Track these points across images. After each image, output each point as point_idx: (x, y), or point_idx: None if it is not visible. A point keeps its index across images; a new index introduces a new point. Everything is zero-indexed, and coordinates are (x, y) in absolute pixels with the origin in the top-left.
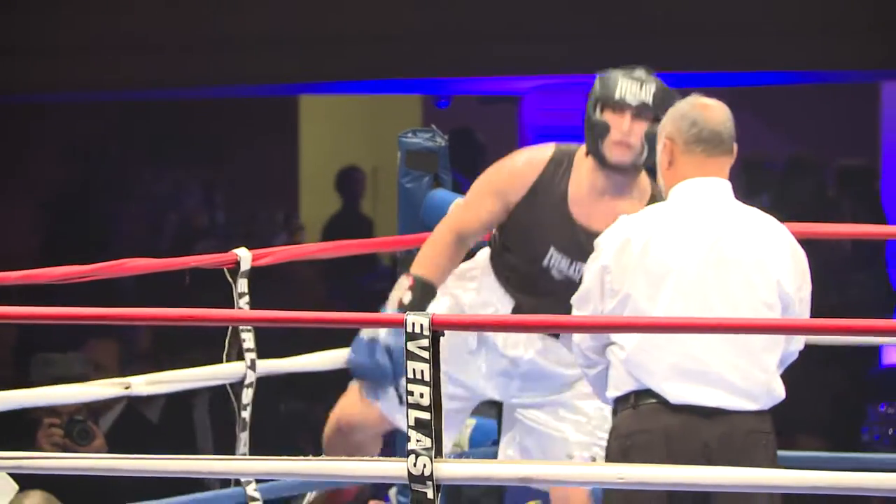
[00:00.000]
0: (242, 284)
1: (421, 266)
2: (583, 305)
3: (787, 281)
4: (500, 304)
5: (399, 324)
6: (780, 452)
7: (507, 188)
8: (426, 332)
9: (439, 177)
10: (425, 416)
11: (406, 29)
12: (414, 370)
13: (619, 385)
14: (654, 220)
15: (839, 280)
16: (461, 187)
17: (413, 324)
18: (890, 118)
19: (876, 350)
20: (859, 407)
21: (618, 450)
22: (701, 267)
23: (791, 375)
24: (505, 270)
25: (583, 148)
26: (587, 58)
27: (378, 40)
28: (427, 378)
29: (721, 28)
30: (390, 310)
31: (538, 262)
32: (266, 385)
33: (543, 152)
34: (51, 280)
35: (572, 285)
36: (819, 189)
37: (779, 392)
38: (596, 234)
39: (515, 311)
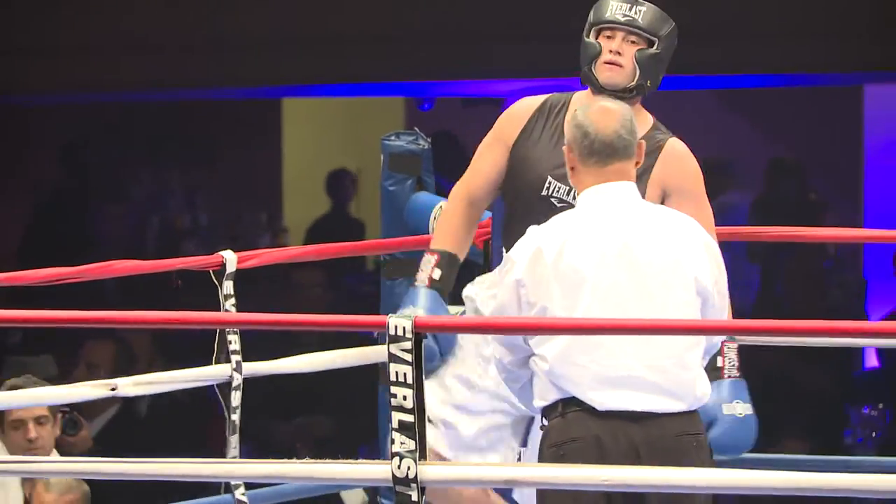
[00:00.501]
0: (228, 286)
1: (441, 240)
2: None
3: (704, 275)
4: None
5: (381, 326)
6: (765, 455)
7: (501, 132)
8: (409, 335)
9: (422, 179)
10: (409, 418)
11: (389, 31)
12: (397, 373)
13: (545, 395)
14: (564, 228)
15: (822, 283)
16: (444, 190)
17: (395, 326)
18: (872, 120)
19: (859, 352)
20: (842, 410)
21: (551, 458)
22: (615, 272)
23: (775, 379)
24: (511, 223)
25: (581, 92)
26: (570, 61)
27: (361, 42)
28: (410, 381)
29: (704, 31)
30: (420, 287)
31: (537, 192)
32: None
33: (537, 97)
34: (37, 281)
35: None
36: (801, 192)
37: (704, 390)
38: None
39: None
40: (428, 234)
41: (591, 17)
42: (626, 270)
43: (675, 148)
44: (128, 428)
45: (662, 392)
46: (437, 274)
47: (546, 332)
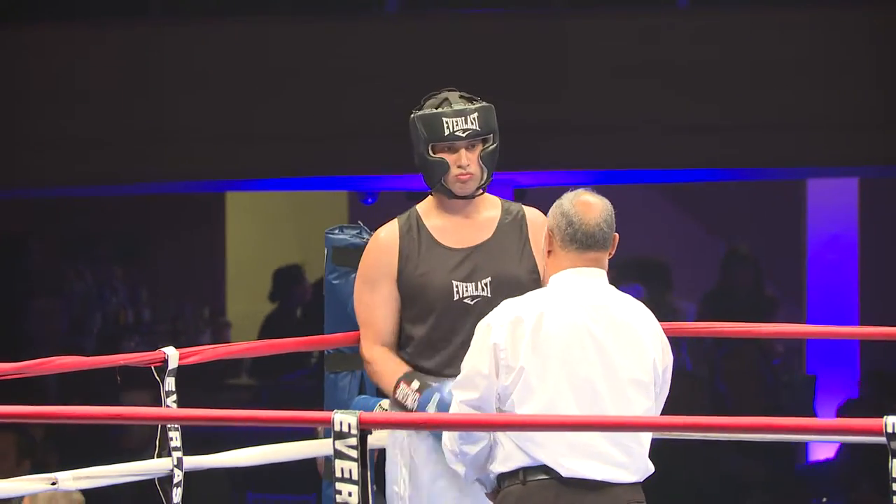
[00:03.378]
0: (170, 383)
1: (389, 381)
2: (468, 386)
3: (658, 360)
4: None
5: (326, 422)
6: None
7: (378, 271)
8: (354, 431)
9: None
10: None
11: (334, 126)
12: (342, 469)
13: (507, 460)
14: (541, 302)
15: (769, 381)
16: None
17: (341, 423)
18: (814, 213)
19: (802, 446)
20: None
21: None
22: (586, 349)
23: (725, 471)
24: (429, 337)
25: (420, 204)
26: (514, 155)
27: (304, 137)
28: (356, 477)
29: (648, 126)
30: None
31: (449, 299)
32: None
33: (388, 227)
34: None
35: (489, 300)
36: (757, 285)
37: (650, 464)
38: (475, 250)
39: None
40: None
41: (423, 131)
42: (594, 348)
43: (536, 215)
44: None
45: (618, 464)
46: (415, 386)
47: (500, 428)
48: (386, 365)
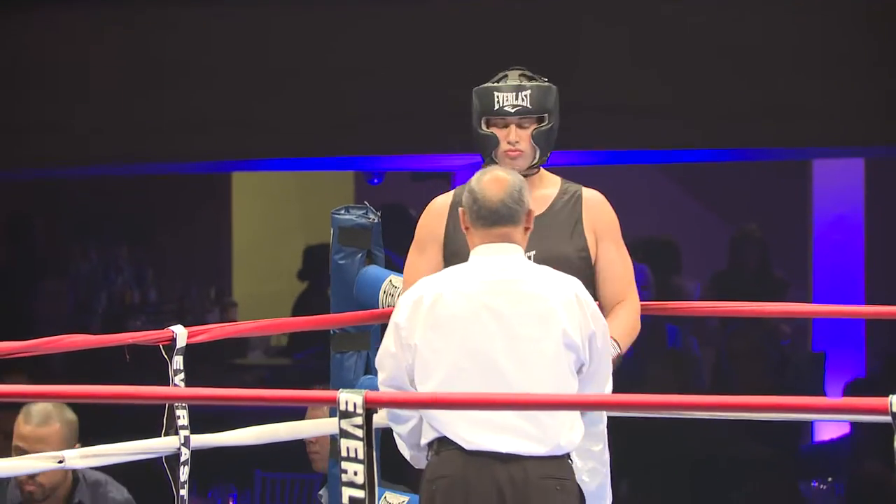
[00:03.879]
0: (178, 361)
1: None
2: (381, 366)
3: (572, 329)
4: None
5: (332, 402)
6: None
7: (429, 233)
8: (359, 410)
9: (372, 253)
10: (359, 494)
11: (339, 107)
12: (348, 448)
13: (426, 433)
14: (444, 280)
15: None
16: (394, 264)
17: (346, 402)
18: (820, 194)
19: (808, 426)
20: (792, 483)
21: (426, 495)
22: (485, 322)
23: (725, 451)
24: None
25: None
26: None
27: (311, 117)
28: (361, 456)
29: (657, 106)
30: None
31: None
32: None
33: (445, 195)
34: None
35: None
36: (764, 267)
37: (570, 438)
38: None
39: None
40: (377, 307)
41: (477, 104)
42: (494, 322)
43: (595, 196)
44: None
45: (527, 436)
46: None
47: (493, 407)
48: None
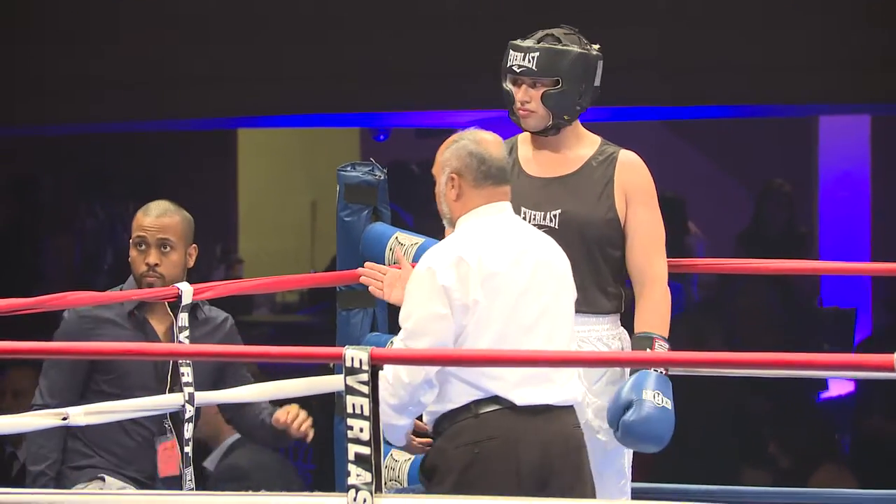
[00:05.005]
0: (183, 318)
1: None
2: (424, 332)
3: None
4: None
5: (338, 358)
6: (727, 487)
7: None
8: (365, 367)
9: (378, 210)
10: (365, 450)
11: (344, 64)
12: (354, 405)
13: (456, 397)
14: (478, 237)
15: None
16: (400, 220)
17: (352, 358)
18: (826, 150)
19: (823, 382)
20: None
21: (463, 458)
22: (527, 274)
23: (734, 408)
24: None
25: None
26: None
27: (316, 74)
28: (367, 413)
29: (663, 62)
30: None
31: None
32: None
33: None
34: None
35: (556, 232)
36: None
37: (578, 387)
38: (554, 181)
39: None
40: (384, 263)
41: (504, 59)
42: (533, 273)
43: (629, 158)
44: None
45: (561, 386)
46: None
47: (502, 363)
48: None
